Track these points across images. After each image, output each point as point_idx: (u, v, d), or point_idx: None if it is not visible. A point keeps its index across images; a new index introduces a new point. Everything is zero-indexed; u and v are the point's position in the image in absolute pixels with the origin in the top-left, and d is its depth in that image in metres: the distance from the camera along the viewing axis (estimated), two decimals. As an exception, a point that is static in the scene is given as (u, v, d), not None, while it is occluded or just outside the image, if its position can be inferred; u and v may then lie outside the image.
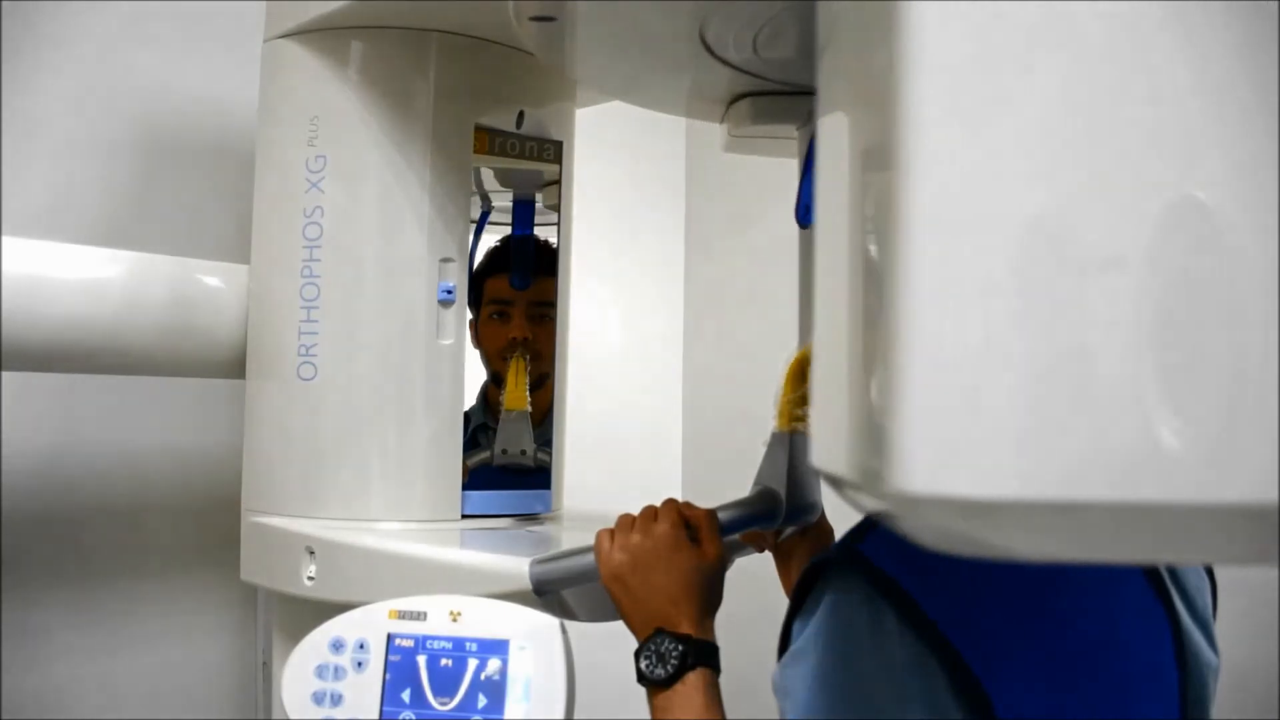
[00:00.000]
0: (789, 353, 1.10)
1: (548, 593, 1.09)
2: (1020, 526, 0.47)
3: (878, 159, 0.51)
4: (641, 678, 0.98)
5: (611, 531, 1.05)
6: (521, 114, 1.39)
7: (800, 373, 1.06)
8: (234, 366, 1.43)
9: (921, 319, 0.46)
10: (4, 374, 1.51)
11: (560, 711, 0.99)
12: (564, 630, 1.02)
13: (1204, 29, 0.45)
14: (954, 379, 0.45)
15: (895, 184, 0.47)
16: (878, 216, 0.51)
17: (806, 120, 1.17)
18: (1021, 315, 0.45)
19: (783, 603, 0.90)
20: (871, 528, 0.83)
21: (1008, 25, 0.46)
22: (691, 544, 1.02)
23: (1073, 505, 0.44)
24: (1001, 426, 0.45)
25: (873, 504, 0.53)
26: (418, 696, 1.02)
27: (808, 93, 0.91)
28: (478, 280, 1.49)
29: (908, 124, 0.47)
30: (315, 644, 1.05)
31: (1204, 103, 0.45)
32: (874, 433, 0.49)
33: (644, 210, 2.50)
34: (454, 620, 1.03)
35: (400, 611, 1.05)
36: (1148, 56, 0.45)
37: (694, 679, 0.96)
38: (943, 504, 0.46)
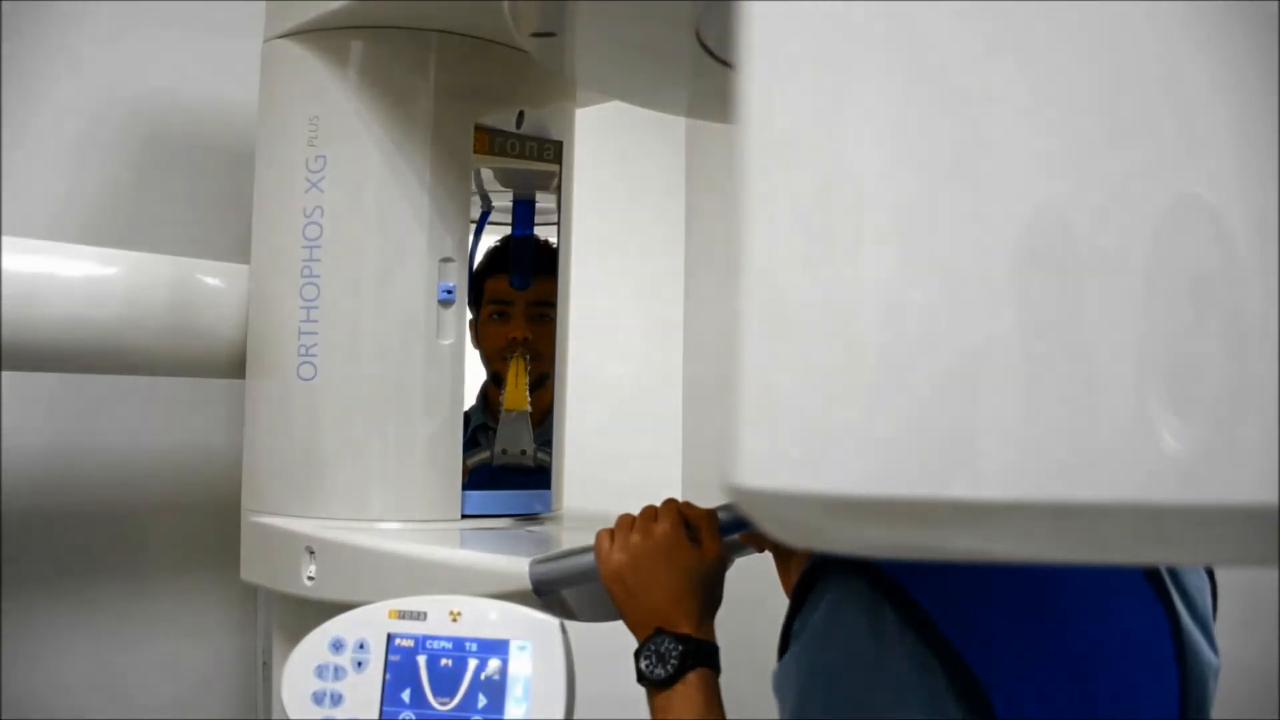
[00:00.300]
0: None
1: (548, 593, 1.09)
2: (1012, 528, 0.47)
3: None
4: (641, 678, 0.98)
5: (611, 531, 1.05)
6: (521, 114, 1.39)
7: None
8: (234, 366, 1.43)
9: (756, 328, 0.47)
10: (4, 374, 1.51)
11: (560, 711, 0.99)
12: (564, 630, 1.02)
13: (1204, 26, 0.45)
14: (792, 374, 0.46)
15: (738, 154, 0.49)
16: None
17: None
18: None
19: (783, 603, 0.90)
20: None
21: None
22: (691, 544, 1.02)
23: (1067, 507, 0.44)
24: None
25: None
26: (418, 696, 1.02)
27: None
28: (478, 280, 1.49)
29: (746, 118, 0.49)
30: (315, 644, 1.05)
31: (1205, 100, 0.45)
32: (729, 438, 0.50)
33: (644, 210, 2.49)
34: (454, 620, 1.03)
35: (400, 611, 1.04)
36: (1145, 53, 0.45)
37: (694, 679, 0.96)
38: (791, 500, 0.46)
